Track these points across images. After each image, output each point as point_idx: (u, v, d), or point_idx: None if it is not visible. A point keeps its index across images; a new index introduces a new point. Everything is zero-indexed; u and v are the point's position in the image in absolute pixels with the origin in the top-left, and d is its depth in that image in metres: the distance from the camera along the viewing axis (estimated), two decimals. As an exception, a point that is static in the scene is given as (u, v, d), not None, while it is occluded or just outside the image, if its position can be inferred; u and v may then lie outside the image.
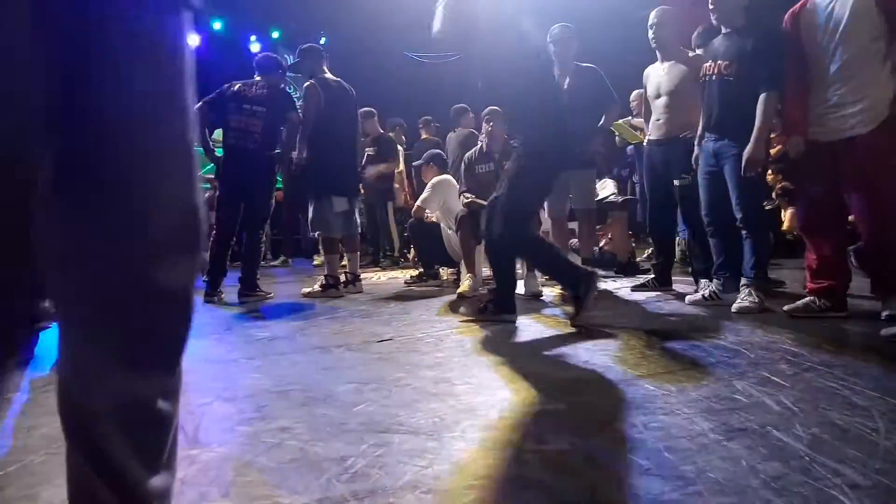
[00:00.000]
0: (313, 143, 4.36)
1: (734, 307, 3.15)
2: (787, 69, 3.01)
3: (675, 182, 3.78)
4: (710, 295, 3.44)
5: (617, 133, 5.33)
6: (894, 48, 2.66)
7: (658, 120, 3.93)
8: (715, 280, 3.47)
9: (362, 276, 4.84)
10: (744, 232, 3.24)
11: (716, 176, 3.34)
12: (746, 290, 3.19)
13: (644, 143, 4.31)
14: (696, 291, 3.61)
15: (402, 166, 7.13)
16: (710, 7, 3.29)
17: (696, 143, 3.54)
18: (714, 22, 3.36)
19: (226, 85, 4.41)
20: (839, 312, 2.89)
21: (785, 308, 2.99)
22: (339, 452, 1.44)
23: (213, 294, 4.26)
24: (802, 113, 2.96)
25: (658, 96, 3.94)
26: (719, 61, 3.28)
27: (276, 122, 4.41)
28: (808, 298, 2.96)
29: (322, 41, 9.78)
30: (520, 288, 4.23)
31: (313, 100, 4.36)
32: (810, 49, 2.88)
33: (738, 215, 3.22)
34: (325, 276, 4.43)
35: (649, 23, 3.92)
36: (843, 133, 2.78)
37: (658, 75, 3.95)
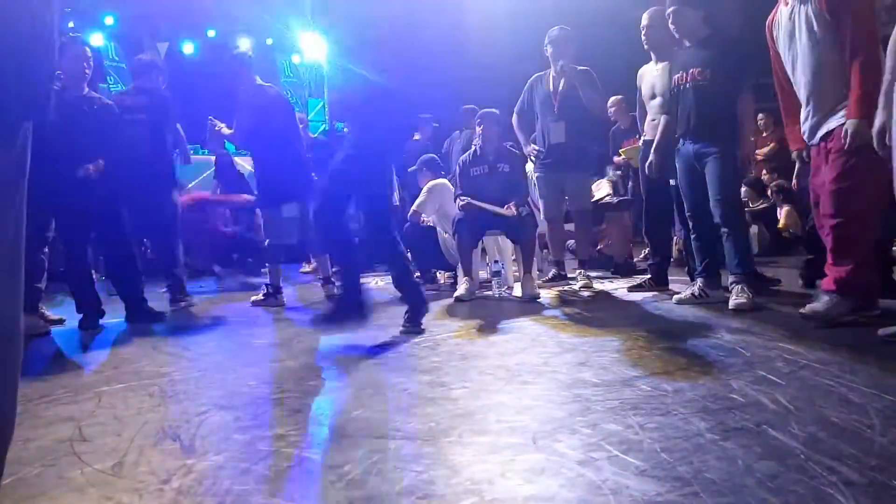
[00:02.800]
0: (256, 151, 4.40)
1: (731, 304, 3.14)
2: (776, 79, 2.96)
3: (672, 182, 3.78)
4: (698, 293, 3.44)
5: (626, 157, 5.32)
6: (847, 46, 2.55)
7: (653, 120, 3.93)
8: (700, 279, 3.48)
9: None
10: (724, 230, 3.27)
11: (698, 177, 3.37)
12: (738, 287, 3.20)
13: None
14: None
15: None
16: (671, 25, 3.42)
17: (652, 150, 3.70)
18: (676, 36, 3.47)
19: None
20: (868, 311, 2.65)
21: (801, 311, 2.70)
22: (336, 459, 1.43)
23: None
24: (795, 123, 2.88)
25: (653, 97, 3.95)
26: (691, 69, 3.35)
27: (161, 129, 4.26)
28: (827, 298, 2.64)
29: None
30: (517, 290, 4.24)
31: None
32: (783, 57, 2.84)
33: (716, 212, 3.27)
34: (267, 284, 4.34)
35: (642, 24, 3.93)
36: (812, 138, 2.75)
37: (652, 76, 3.96)
